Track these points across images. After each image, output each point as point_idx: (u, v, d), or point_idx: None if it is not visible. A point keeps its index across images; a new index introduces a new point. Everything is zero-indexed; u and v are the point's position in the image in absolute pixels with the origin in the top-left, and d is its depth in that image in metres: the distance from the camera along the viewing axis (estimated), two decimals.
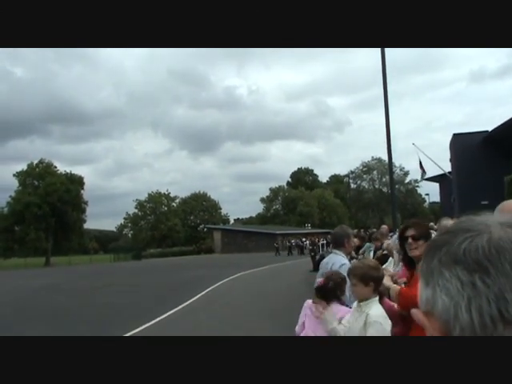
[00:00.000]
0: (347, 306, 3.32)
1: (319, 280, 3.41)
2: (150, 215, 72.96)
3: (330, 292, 3.21)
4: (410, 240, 2.85)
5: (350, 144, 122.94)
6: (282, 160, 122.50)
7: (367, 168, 76.13)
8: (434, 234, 3.28)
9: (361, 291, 2.75)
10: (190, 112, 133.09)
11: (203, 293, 14.11)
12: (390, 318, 2.69)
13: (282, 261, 30.89)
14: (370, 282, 2.73)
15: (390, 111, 14.40)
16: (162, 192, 75.10)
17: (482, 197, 19.59)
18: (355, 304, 2.92)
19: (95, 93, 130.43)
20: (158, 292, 15.21)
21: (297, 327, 3.36)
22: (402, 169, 73.15)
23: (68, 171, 54.23)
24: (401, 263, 3.63)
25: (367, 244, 8.92)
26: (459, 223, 0.58)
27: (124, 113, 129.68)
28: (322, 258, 6.57)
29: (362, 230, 20.37)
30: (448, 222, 4.06)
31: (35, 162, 52.33)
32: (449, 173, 27.58)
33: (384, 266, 4.22)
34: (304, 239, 41.28)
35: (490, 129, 24.86)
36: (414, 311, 0.58)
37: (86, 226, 60.61)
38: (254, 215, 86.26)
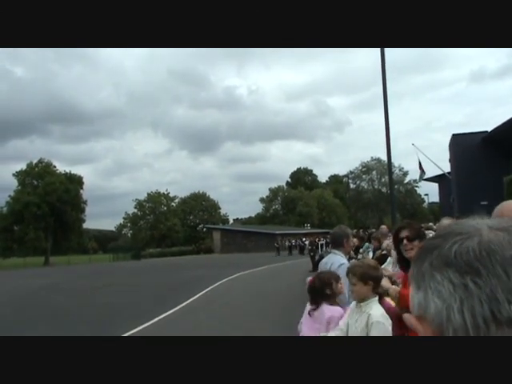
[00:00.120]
0: (340, 305, 3.32)
1: (308, 279, 3.42)
2: (149, 215, 72.95)
3: (318, 291, 3.21)
4: (404, 241, 2.86)
5: (349, 144, 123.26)
6: (281, 160, 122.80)
7: (366, 168, 76.18)
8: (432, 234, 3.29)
9: (360, 290, 2.76)
10: (190, 112, 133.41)
11: (203, 293, 14.11)
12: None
13: (281, 261, 30.89)
14: (369, 281, 2.73)
15: (389, 111, 14.40)
16: (162, 192, 75.17)
17: (481, 197, 19.64)
18: (353, 305, 2.91)
19: (95, 93, 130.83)
20: (158, 292, 15.21)
21: (298, 325, 3.37)
22: (401, 169, 73.31)
23: (68, 171, 54.33)
24: None
25: (366, 244, 8.93)
26: (449, 227, 0.59)
27: (124, 113, 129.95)
28: (322, 258, 6.58)
29: (361, 230, 20.40)
30: (448, 222, 4.07)
31: (34, 161, 52.37)
32: (448, 173, 27.60)
33: (383, 266, 4.22)
34: (304, 239, 41.29)
35: (489, 129, 24.89)
36: (406, 316, 0.58)
37: (86, 225, 60.69)
38: (253, 215, 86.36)
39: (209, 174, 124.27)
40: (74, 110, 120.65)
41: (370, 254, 7.57)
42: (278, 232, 51.70)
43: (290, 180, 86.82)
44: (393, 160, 15.87)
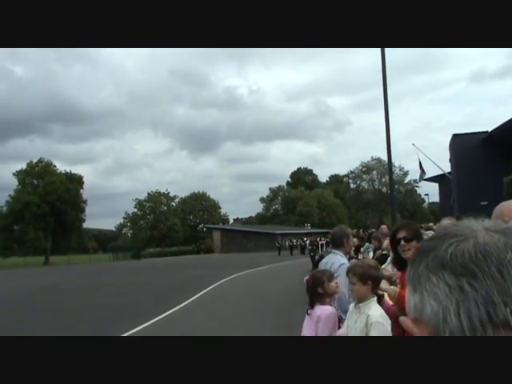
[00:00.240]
0: (340, 304, 3.33)
1: (305, 279, 3.43)
2: (149, 215, 72.93)
3: (311, 291, 3.22)
4: (402, 242, 2.86)
5: (350, 144, 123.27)
6: (281, 160, 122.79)
7: (367, 168, 76.21)
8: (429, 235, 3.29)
9: (359, 290, 2.76)
10: (191, 112, 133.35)
11: (202, 292, 14.11)
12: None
13: (281, 260, 30.90)
14: (368, 281, 2.74)
15: (389, 111, 14.43)
16: (162, 192, 75.16)
17: (481, 197, 19.64)
18: (351, 306, 2.92)
19: (96, 92, 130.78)
20: (158, 291, 15.21)
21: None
22: (401, 169, 73.34)
23: (68, 170, 54.34)
24: None
25: (366, 244, 8.93)
26: (446, 229, 0.59)
27: (124, 112, 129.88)
28: (322, 257, 6.58)
29: (361, 230, 20.40)
30: (449, 222, 4.07)
31: (35, 161, 52.37)
32: (448, 173, 27.61)
33: (383, 266, 4.22)
34: (306, 239, 41.31)
35: (489, 129, 24.89)
36: (402, 319, 0.58)
37: (86, 225, 60.69)
38: (253, 215, 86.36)
39: (209, 174, 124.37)
40: (75, 110, 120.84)
41: (371, 254, 7.57)
42: (278, 232, 51.70)
43: (290, 180, 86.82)
44: (393, 160, 15.89)
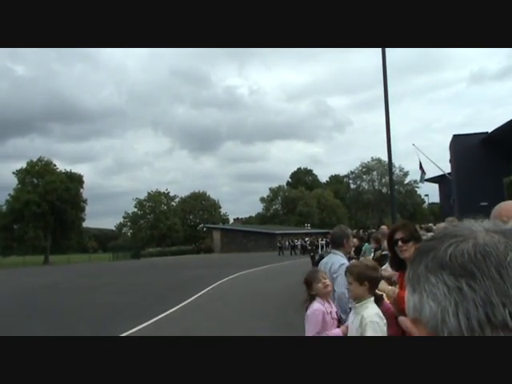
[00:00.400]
0: (341, 303, 3.32)
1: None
2: (149, 214, 72.90)
3: (306, 292, 3.25)
4: (399, 243, 2.86)
5: (350, 144, 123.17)
6: (281, 160, 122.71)
7: (367, 168, 76.20)
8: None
9: (355, 290, 2.77)
10: (191, 111, 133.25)
11: (202, 292, 14.11)
12: (387, 319, 2.70)
13: (281, 260, 30.90)
14: (364, 281, 2.74)
15: (390, 112, 14.42)
16: (162, 191, 75.15)
17: (481, 198, 19.60)
18: (352, 307, 2.94)
19: (96, 91, 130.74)
20: (158, 291, 15.21)
21: None
22: (401, 169, 73.34)
23: (68, 170, 54.33)
24: None
25: (366, 245, 8.93)
26: (445, 229, 0.58)
27: (125, 112, 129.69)
28: (322, 258, 6.58)
29: (361, 231, 20.41)
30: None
31: (35, 160, 52.35)
32: (448, 174, 27.59)
33: (384, 267, 4.22)
34: (307, 239, 41.35)
35: (489, 130, 24.89)
36: (401, 319, 0.58)
37: (85, 224, 60.68)
38: (253, 215, 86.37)
39: (209, 174, 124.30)
40: (75, 109, 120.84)
41: (371, 255, 7.58)
42: (278, 232, 51.70)
43: (290, 180, 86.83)
44: (393, 160, 15.89)
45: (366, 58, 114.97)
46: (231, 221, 79.39)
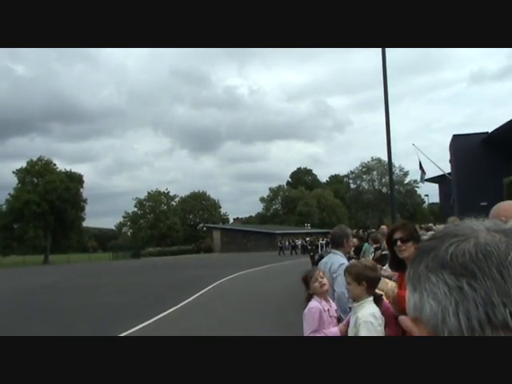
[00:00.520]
0: (341, 303, 3.32)
1: None
2: (149, 214, 72.87)
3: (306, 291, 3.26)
4: (398, 242, 2.86)
5: (350, 144, 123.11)
6: (281, 160, 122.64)
7: (367, 168, 76.19)
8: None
9: (353, 290, 2.78)
10: (191, 111, 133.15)
11: (202, 292, 14.12)
12: (386, 319, 2.70)
13: (281, 260, 30.91)
14: (362, 281, 2.74)
15: (390, 112, 14.42)
16: (162, 191, 75.12)
17: (481, 198, 19.59)
18: (351, 306, 2.95)
19: (96, 91, 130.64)
20: (158, 291, 15.21)
21: None
22: (401, 169, 73.34)
23: (68, 169, 54.31)
24: None
25: (366, 245, 8.93)
26: (446, 228, 0.58)
27: (125, 112, 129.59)
28: (322, 257, 6.58)
29: (360, 231, 20.41)
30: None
31: (35, 159, 52.31)
32: (448, 174, 27.59)
33: (385, 267, 4.22)
34: (308, 239, 41.38)
35: (489, 130, 24.89)
36: (401, 318, 0.58)
37: (85, 224, 60.65)
38: (253, 215, 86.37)
39: (209, 174, 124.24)
40: (75, 109, 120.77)
41: (372, 255, 7.58)
42: (278, 232, 51.69)
43: (290, 180, 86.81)
44: (393, 160, 15.89)
45: (366, 58, 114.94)
46: (231, 221, 79.39)
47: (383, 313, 2.74)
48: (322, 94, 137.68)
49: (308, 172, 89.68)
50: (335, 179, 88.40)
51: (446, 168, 28.81)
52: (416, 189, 73.76)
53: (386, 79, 14.33)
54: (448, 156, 29.33)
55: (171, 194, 75.93)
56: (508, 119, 21.53)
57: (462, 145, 25.87)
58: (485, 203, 18.45)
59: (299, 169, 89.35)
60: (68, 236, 53.43)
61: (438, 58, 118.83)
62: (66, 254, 50.95)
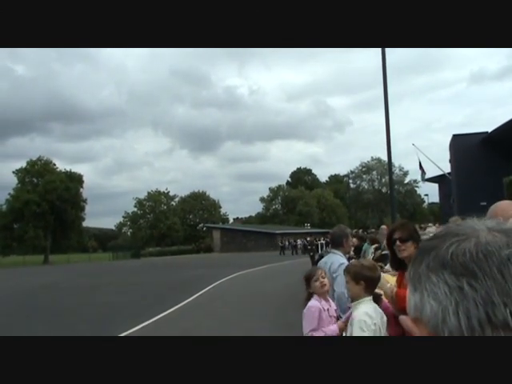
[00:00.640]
0: (341, 302, 3.32)
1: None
2: (149, 214, 72.83)
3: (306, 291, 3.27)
4: (397, 242, 2.86)
5: (350, 144, 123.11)
6: (281, 160, 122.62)
7: (367, 168, 76.20)
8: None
9: (352, 289, 2.80)
10: (191, 111, 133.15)
11: (202, 292, 14.11)
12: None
13: (281, 260, 30.91)
14: (361, 281, 2.75)
15: (390, 112, 14.42)
16: (162, 191, 75.09)
17: (481, 198, 19.58)
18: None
19: (97, 91, 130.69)
20: (158, 291, 15.21)
21: None
22: (401, 169, 73.35)
23: (68, 169, 54.30)
24: None
25: (366, 244, 8.93)
26: (447, 228, 0.58)
27: (125, 112, 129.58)
28: (321, 257, 6.59)
29: (360, 230, 20.41)
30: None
31: (34, 159, 52.29)
32: (448, 173, 27.59)
33: (386, 267, 4.22)
34: (309, 239, 41.38)
35: (489, 130, 24.88)
36: (402, 318, 0.58)
37: (85, 224, 60.65)
38: (253, 214, 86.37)
39: (209, 174, 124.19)
40: (75, 109, 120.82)
41: (372, 255, 7.58)
42: (277, 232, 51.70)
43: (290, 180, 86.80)
44: (393, 160, 15.89)
45: (366, 58, 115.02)
46: (231, 220, 79.37)
47: (383, 312, 2.75)
48: (321, 94, 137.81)
49: (308, 172, 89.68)
50: (335, 179, 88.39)
51: (446, 168, 28.82)
52: (416, 189, 73.88)
53: (385, 79, 14.33)
54: (448, 156, 29.31)
55: (171, 194, 75.98)
56: (508, 119, 21.53)
57: (461, 145, 25.85)
58: (484, 203, 18.43)
59: (299, 169, 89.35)
60: (68, 236, 53.41)
61: (438, 57, 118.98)
62: (66, 254, 50.95)
